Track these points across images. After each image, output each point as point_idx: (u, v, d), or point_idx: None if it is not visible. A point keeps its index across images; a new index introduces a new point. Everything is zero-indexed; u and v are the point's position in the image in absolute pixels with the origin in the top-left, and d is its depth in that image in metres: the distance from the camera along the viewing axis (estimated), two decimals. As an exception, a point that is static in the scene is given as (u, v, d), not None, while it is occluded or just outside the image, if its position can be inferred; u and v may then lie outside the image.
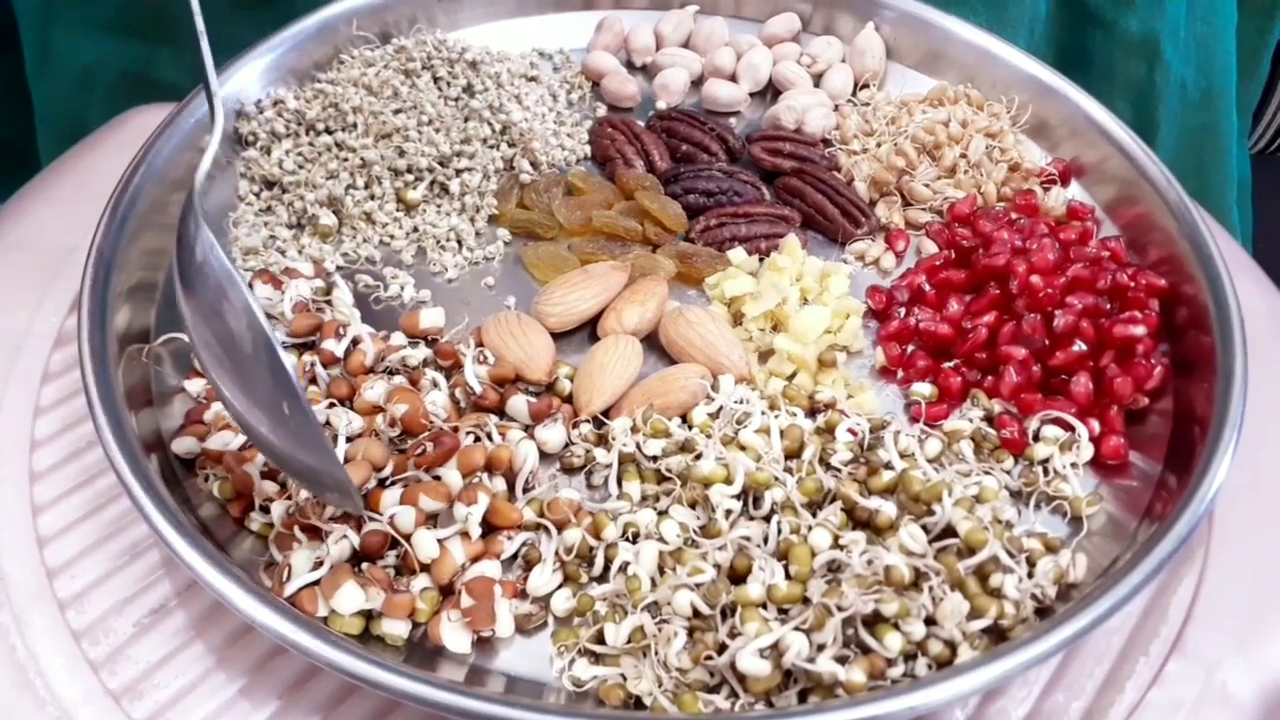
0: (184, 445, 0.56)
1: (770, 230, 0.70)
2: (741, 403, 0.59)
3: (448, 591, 0.52)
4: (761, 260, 0.68)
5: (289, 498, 0.53)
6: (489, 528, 0.54)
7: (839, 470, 0.56)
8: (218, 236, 0.66)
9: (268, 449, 0.50)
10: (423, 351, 0.61)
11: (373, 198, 0.69)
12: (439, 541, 0.52)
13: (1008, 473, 0.59)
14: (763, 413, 0.59)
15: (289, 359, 0.46)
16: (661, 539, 0.53)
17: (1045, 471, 0.58)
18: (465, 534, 0.53)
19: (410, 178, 0.70)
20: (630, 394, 0.61)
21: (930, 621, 0.50)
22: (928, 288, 0.67)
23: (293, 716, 0.50)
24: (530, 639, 0.53)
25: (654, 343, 0.64)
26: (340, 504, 0.51)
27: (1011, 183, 0.73)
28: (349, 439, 0.54)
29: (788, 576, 0.51)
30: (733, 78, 0.80)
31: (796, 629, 0.48)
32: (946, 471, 0.57)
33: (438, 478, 0.54)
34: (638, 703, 0.49)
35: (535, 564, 0.54)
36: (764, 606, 0.50)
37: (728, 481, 0.55)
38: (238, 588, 0.48)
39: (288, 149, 0.70)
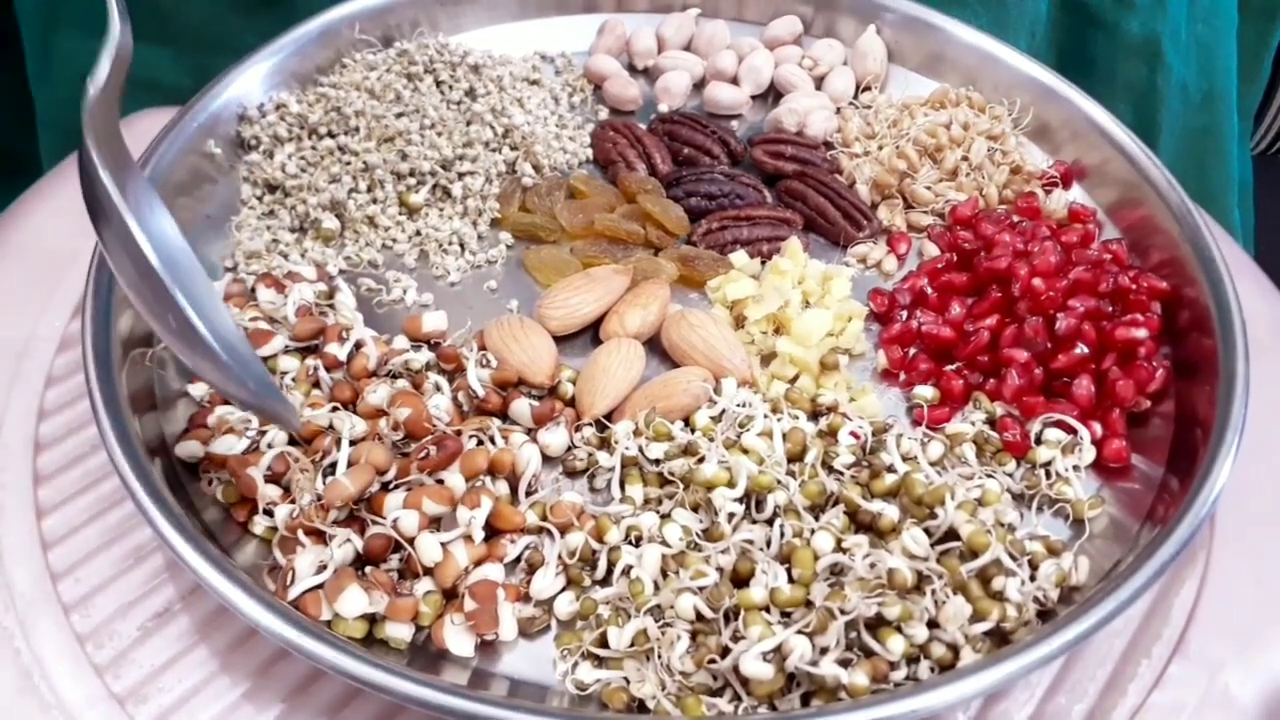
0: (187, 449, 0.56)
1: (772, 233, 0.70)
2: (744, 406, 0.59)
3: (451, 595, 0.53)
4: (763, 263, 0.68)
5: (293, 501, 0.53)
6: (492, 531, 0.54)
7: (841, 473, 0.56)
8: (220, 240, 0.68)
9: (202, 375, 0.50)
10: (425, 355, 0.61)
11: (375, 201, 0.69)
12: (442, 545, 0.52)
13: (1010, 475, 0.59)
14: (765, 416, 0.59)
15: (170, 272, 0.46)
16: (664, 542, 0.53)
17: (1047, 474, 0.58)
18: (468, 537, 0.53)
19: (412, 181, 0.70)
20: (633, 397, 0.61)
21: (933, 624, 0.50)
22: (930, 290, 0.67)
23: (296, 720, 0.50)
24: (533, 642, 0.53)
25: (656, 346, 0.64)
26: (279, 422, 0.53)
27: (1013, 185, 0.73)
28: (352, 443, 0.55)
29: (790, 580, 0.51)
30: (734, 81, 0.80)
31: (799, 632, 0.49)
32: (949, 474, 0.57)
33: (441, 481, 0.54)
34: (641, 706, 0.50)
35: (538, 567, 0.54)
36: (767, 610, 0.50)
37: (730, 485, 0.55)
38: (242, 592, 0.48)
39: (290, 153, 0.70)
